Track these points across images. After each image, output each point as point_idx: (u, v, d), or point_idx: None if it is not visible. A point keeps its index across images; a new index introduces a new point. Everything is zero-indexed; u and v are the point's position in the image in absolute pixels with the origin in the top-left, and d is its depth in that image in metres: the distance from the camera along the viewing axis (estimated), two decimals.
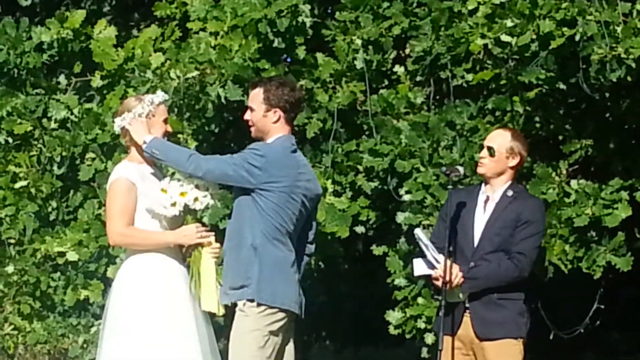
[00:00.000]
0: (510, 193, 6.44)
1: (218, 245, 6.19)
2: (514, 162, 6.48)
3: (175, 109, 7.91)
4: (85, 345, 8.28)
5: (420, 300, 7.74)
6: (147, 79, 7.90)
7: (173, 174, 6.46)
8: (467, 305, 6.40)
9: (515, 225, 6.37)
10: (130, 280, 6.11)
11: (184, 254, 6.22)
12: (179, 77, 7.78)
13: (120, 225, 6.06)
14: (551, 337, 7.82)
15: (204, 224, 6.39)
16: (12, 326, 8.33)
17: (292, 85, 6.35)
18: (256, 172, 6.08)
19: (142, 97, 6.27)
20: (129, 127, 6.15)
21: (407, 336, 7.83)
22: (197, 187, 6.10)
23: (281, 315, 6.10)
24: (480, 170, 6.52)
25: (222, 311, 6.17)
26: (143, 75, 7.94)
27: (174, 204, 6.06)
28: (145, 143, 6.11)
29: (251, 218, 6.10)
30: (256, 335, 6.05)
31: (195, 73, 7.77)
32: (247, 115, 6.32)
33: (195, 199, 6.08)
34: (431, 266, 6.40)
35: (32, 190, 8.31)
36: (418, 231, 6.45)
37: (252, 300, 6.05)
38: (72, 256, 8.09)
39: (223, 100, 7.81)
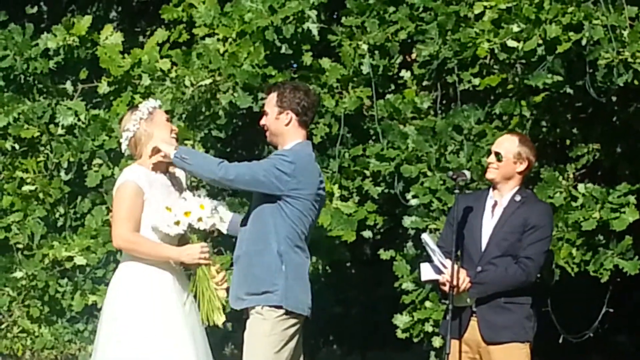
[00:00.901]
0: (518, 198, 6.45)
1: (217, 275, 6.19)
2: (521, 167, 6.48)
3: (184, 117, 7.92)
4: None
5: (427, 304, 7.75)
6: (166, 86, 7.90)
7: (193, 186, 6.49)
8: (474, 309, 6.41)
9: (522, 230, 6.37)
10: (126, 285, 6.11)
11: (187, 268, 6.23)
12: (193, 85, 7.80)
13: (125, 230, 6.07)
14: (560, 340, 7.81)
15: (219, 233, 6.36)
16: (20, 328, 8.35)
17: (306, 89, 6.39)
18: (285, 178, 6.10)
19: (136, 107, 6.31)
20: (155, 141, 6.12)
21: (415, 340, 7.83)
22: (202, 206, 6.10)
23: (296, 320, 6.15)
24: (488, 175, 6.53)
25: (222, 319, 6.18)
26: (162, 83, 7.93)
27: (177, 223, 6.07)
28: (175, 149, 6.11)
29: (275, 225, 6.12)
30: (273, 339, 6.07)
31: (208, 81, 7.78)
32: (263, 120, 6.36)
33: (199, 219, 6.08)
34: (438, 271, 6.40)
35: (40, 196, 8.32)
36: (425, 236, 6.45)
37: (278, 307, 6.08)
38: (80, 261, 8.09)
39: (234, 108, 7.81)
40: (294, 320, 6.13)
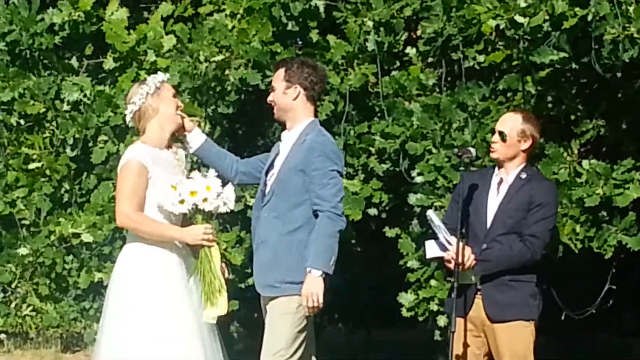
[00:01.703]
0: (523, 175, 6.46)
1: (218, 253, 6.20)
2: (526, 145, 6.48)
3: (192, 92, 7.92)
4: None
5: (432, 282, 7.76)
6: (184, 60, 7.87)
7: (191, 170, 6.48)
8: (478, 287, 6.43)
9: (527, 207, 6.39)
10: (132, 266, 6.12)
11: (192, 250, 6.23)
12: (207, 60, 7.78)
13: (129, 208, 6.06)
14: (562, 317, 7.84)
15: (230, 212, 6.37)
16: (30, 307, 8.38)
17: (313, 65, 6.41)
18: (339, 161, 6.27)
19: (144, 81, 6.30)
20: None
21: (420, 319, 7.84)
22: (208, 188, 6.08)
23: None
24: (493, 155, 6.54)
25: (219, 311, 6.14)
26: (180, 57, 7.91)
27: (182, 202, 6.04)
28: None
29: (307, 212, 6.16)
30: (298, 317, 6.10)
31: (220, 57, 7.77)
32: (270, 96, 6.36)
33: (205, 200, 6.06)
34: (443, 248, 6.41)
35: (47, 172, 8.33)
36: (430, 213, 6.46)
37: None
38: (87, 237, 8.11)
39: (243, 84, 7.81)
40: None
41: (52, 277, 8.31)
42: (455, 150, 6.77)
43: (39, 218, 8.32)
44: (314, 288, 6.02)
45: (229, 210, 6.21)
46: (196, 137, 6.45)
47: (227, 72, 7.80)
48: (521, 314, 6.40)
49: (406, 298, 7.83)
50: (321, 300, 6.04)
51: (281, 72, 6.29)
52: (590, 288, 8.12)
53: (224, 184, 6.19)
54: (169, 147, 6.29)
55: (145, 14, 9.00)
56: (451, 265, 6.35)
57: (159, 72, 6.43)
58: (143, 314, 6.03)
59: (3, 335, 10.30)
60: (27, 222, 8.35)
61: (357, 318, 10.96)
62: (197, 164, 7.15)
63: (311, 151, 6.15)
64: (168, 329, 6.01)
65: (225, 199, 6.14)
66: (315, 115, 6.39)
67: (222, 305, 6.09)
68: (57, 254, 8.26)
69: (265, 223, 6.24)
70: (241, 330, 8.72)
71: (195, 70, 7.78)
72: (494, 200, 6.49)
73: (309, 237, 6.11)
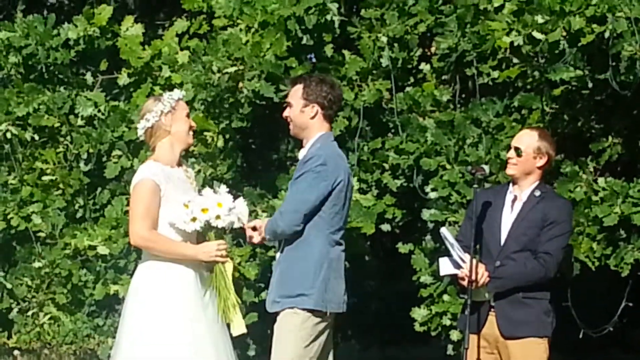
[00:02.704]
0: (537, 193, 6.43)
1: (231, 268, 6.20)
2: (541, 162, 6.46)
3: (205, 105, 7.92)
4: None
5: (445, 297, 7.75)
6: (197, 70, 7.89)
7: (204, 186, 6.47)
8: (492, 303, 6.40)
9: (542, 225, 6.36)
10: (147, 285, 6.12)
11: (207, 266, 6.22)
12: (220, 71, 7.79)
13: (143, 228, 6.06)
14: (580, 336, 7.80)
15: (241, 230, 6.37)
16: (48, 316, 8.38)
17: (331, 83, 6.38)
18: (327, 183, 6.13)
19: (160, 97, 6.29)
20: None
21: (433, 333, 7.82)
22: (220, 204, 6.07)
23: (328, 315, 6.16)
24: (508, 171, 6.52)
25: (240, 330, 6.15)
26: (195, 66, 7.92)
27: (193, 220, 6.05)
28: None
29: (316, 225, 6.12)
30: (304, 334, 6.09)
31: (233, 69, 7.78)
32: (286, 112, 6.33)
33: (217, 217, 6.06)
34: (457, 266, 6.39)
35: (60, 186, 8.35)
36: (444, 230, 6.44)
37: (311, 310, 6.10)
38: (102, 250, 8.13)
39: (257, 97, 7.81)
40: (326, 316, 6.15)
41: (68, 288, 8.32)
42: (469, 167, 6.77)
43: (55, 231, 8.32)
44: (255, 233, 6.22)
45: (242, 225, 6.20)
46: (244, 216, 6.39)
47: (240, 84, 7.80)
48: (535, 331, 6.36)
49: (419, 313, 7.83)
50: (254, 240, 6.24)
51: (299, 88, 6.26)
52: (605, 306, 8.07)
53: (235, 198, 6.19)
54: (179, 164, 6.29)
55: (160, 31, 9.03)
56: (464, 283, 6.33)
57: (175, 90, 6.42)
58: (158, 331, 6.02)
59: (17, 352, 10.29)
60: (43, 234, 8.36)
61: (371, 334, 10.92)
62: (209, 181, 7.16)
63: (302, 165, 6.16)
64: (183, 346, 6.00)
65: (238, 214, 6.14)
66: (331, 130, 6.36)
67: (239, 322, 6.11)
68: (73, 265, 8.27)
69: (281, 245, 6.27)
70: (256, 347, 8.66)
71: (209, 80, 7.78)
72: (508, 217, 6.47)
73: (311, 252, 6.10)
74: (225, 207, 6.09)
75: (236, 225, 6.15)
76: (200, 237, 6.23)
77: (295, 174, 6.22)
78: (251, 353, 8.43)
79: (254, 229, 6.28)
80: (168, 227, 6.13)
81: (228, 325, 6.16)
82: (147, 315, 6.05)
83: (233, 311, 6.10)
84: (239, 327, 6.13)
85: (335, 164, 6.16)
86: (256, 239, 6.29)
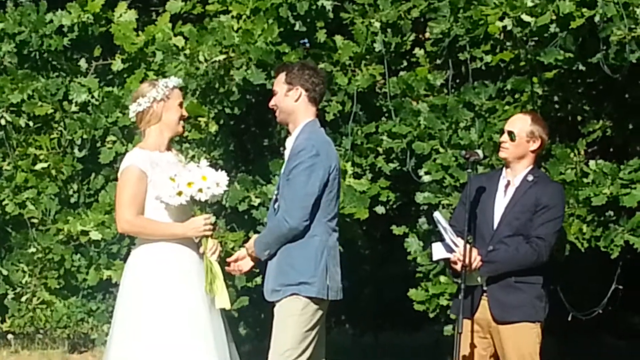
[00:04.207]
0: (530, 178, 6.46)
1: (213, 242, 6.22)
2: (534, 146, 6.50)
3: (197, 93, 7.95)
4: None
5: (442, 278, 7.78)
6: (180, 61, 7.92)
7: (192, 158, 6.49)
8: (484, 288, 6.43)
9: (534, 209, 6.39)
10: (141, 272, 6.14)
11: (198, 244, 6.24)
12: (207, 60, 7.81)
13: (129, 214, 6.09)
14: (569, 318, 7.84)
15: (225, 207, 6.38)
16: (40, 299, 8.41)
17: (314, 67, 6.42)
18: (324, 174, 6.14)
19: (156, 82, 6.30)
20: None
21: (431, 315, 7.84)
22: (204, 178, 6.08)
23: (326, 302, 6.21)
24: (501, 154, 6.55)
25: (229, 305, 6.20)
26: (176, 58, 7.96)
27: (179, 194, 6.06)
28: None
29: (313, 214, 6.13)
30: (305, 318, 6.12)
31: (222, 57, 7.80)
32: (272, 100, 6.35)
33: (199, 190, 6.06)
34: (450, 250, 6.42)
35: (53, 172, 8.37)
36: (437, 214, 6.48)
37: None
38: (95, 235, 8.15)
39: (248, 84, 7.83)
40: (325, 303, 6.20)
41: (61, 273, 8.34)
42: (463, 152, 6.77)
43: (48, 217, 8.34)
44: (243, 261, 6.28)
45: (222, 192, 6.17)
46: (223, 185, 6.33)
47: (231, 72, 7.83)
48: (527, 316, 6.40)
49: (416, 294, 7.86)
50: (244, 269, 6.31)
51: (282, 75, 6.29)
52: (598, 291, 8.11)
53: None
54: (168, 149, 6.31)
55: (154, 16, 9.04)
56: (457, 267, 6.36)
57: (172, 77, 6.42)
58: (155, 318, 6.04)
59: (11, 336, 10.33)
60: (35, 220, 8.38)
61: (365, 319, 10.94)
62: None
63: (293, 157, 6.16)
64: (181, 325, 6.03)
65: (217, 181, 6.12)
66: (318, 116, 6.37)
67: (224, 297, 6.13)
68: (65, 251, 8.29)
69: None
70: (248, 331, 8.72)
71: (197, 70, 7.81)
72: (501, 202, 6.50)
73: (308, 240, 6.13)
74: (210, 179, 6.08)
75: (216, 192, 6.11)
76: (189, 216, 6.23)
77: (287, 165, 6.20)
78: (243, 336, 8.48)
79: (237, 260, 6.32)
80: (157, 207, 6.13)
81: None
82: (144, 296, 6.07)
83: (218, 285, 6.11)
84: (224, 301, 6.14)
85: (327, 152, 6.19)
86: (246, 265, 6.33)
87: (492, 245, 6.40)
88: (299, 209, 6.08)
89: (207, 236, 6.16)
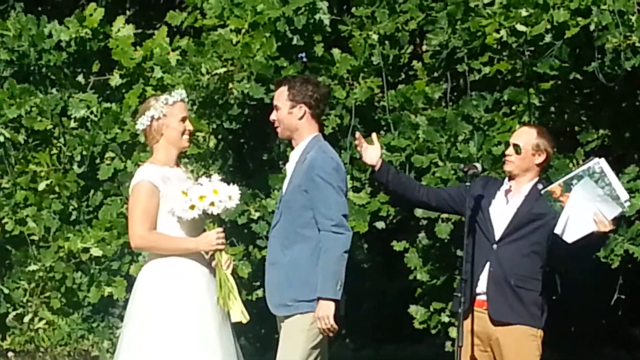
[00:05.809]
0: (540, 187, 6.47)
1: (227, 256, 6.20)
2: (540, 159, 6.51)
3: (194, 107, 7.95)
4: (112, 350, 8.29)
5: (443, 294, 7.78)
6: (184, 72, 7.92)
7: (198, 177, 6.49)
8: (483, 298, 6.42)
9: (539, 217, 6.39)
10: (153, 286, 6.12)
11: (210, 258, 6.23)
12: (208, 73, 7.81)
13: (142, 229, 6.08)
14: (572, 329, 7.82)
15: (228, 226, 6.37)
16: (43, 321, 8.39)
17: (315, 82, 6.40)
18: (343, 177, 6.21)
19: (159, 98, 6.28)
20: None
21: (432, 331, 7.82)
22: (216, 191, 6.07)
23: None
24: (506, 167, 6.56)
25: (247, 318, 6.17)
26: (182, 68, 7.96)
27: (192, 207, 6.05)
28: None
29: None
30: (313, 333, 6.09)
31: (222, 70, 7.81)
32: (273, 115, 6.33)
33: (212, 204, 6.05)
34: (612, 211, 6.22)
35: (56, 189, 8.35)
36: (603, 162, 6.24)
37: None
38: (96, 252, 8.14)
39: (247, 98, 7.84)
40: None
41: (62, 292, 8.32)
42: (462, 165, 6.77)
43: (48, 235, 8.33)
44: (324, 312, 6.04)
45: (235, 206, 6.15)
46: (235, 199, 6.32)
47: (230, 85, 7.83)
48: (525, 320, 6.37)
49: (417, 310, 7.84)
50: (332, 322, 6.06)
51: (284, 90, 6.26)
52: (600, 303, 8.09)
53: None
54: (177, 164, 6.31)
55: (152, 31, 9.05)
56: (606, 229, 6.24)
57: (174, 92, 6.34)
58: (165, 330, 6.02)
59: (11, 354, 10.30)
60: (36, 237, 8.37)
61: (365, 333, 10.91)
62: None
63: (311, 169, 6.12)
64: (192, 340, 6.01)
65: (230, 194, 6.11)
66: (321, 130, 6.36)
67: (238, 310, 6.10)
68: (67, 269, 8.28)
69: (274, 245, 6.25)
70: (249, 346, 8.68)
71: (198, 82, 7.81)
72: (502, 208, 6.48)
73: (318, 254, 6.09)
74: (222, 193, 6.08)
75: (228, 205, 6.10)
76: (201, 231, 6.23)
77: (299, 179, 6.15)
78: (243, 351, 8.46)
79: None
80: (169, 222, 6.13)
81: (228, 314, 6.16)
82: (154, 309, 6.05)
83: (233, 299, 6.09)
84: (238, 314, 6.12)
85: (339, 163, 6.23)
86: (331, 318, 6.09)
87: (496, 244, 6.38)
88: (342, 218, 6.09)
89: (220, 250, 6.14)
